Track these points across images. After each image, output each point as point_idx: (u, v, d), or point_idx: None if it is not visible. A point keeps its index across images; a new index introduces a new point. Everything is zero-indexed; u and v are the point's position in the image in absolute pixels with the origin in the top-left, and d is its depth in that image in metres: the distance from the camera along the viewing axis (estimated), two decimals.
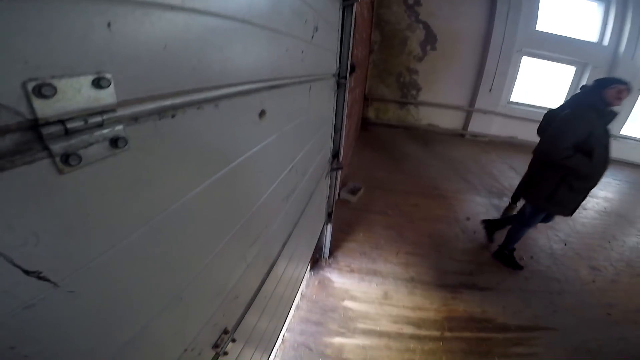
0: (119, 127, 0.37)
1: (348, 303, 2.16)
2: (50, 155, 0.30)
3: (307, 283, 2.28)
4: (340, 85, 1.79)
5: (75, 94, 0.31)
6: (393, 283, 2.39)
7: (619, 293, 2.59)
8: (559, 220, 3.50)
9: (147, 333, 0.50)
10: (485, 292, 2.41)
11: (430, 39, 6.84)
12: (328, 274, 2.40)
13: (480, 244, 3.04)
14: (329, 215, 2.35)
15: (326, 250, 2.52)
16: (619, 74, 6.21)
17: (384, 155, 5.44)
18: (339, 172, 2.26)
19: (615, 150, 2.71)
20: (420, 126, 7.69)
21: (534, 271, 2.73)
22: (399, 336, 1.95)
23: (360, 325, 1.99)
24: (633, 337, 2.15)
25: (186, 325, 0.63)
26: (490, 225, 3.08)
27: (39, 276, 0.31)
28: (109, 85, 0.34)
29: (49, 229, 0.31)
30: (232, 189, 0.71)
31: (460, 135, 7.68)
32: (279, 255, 1.20)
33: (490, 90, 7.01)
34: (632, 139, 7.34)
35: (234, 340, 0.86)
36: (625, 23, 6.38)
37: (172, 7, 0.42)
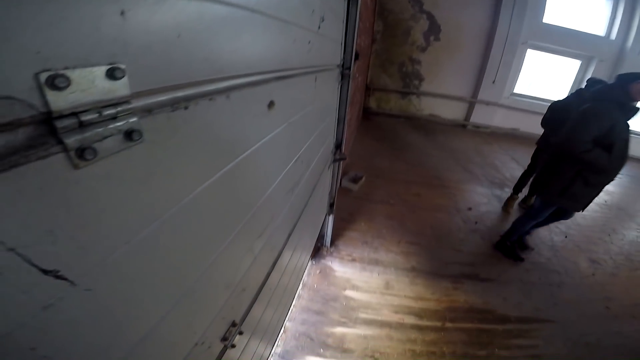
0: (134, 120, 0.36)
1: (349, 292, 2.17)
2: (65, 149, 0.29)
3: (308, 272, 2.28)
4: (344, 76, 1.77)
5: (89, 85, 0.30)
6: (394, 272, 2.40)
7: (618, 287, 2.61)
8: None
9: (160, 328, 0.50)
10: (487, 283, 2.43)
11: (434, 30, 6.73)
12: (329, 263, 2.41)
13: (482, 235, 3.05)
14: (331, 205, 2.35)
15: (328, 239, 2.53)
16: (625, 68, 6.19)
17: (386, 145, 5.41)
18: (342, 163, 2.24)
19: None
20: (422, 116, 7.64)
21: (535, 263, 2.75)
22: (400, 326, 1.97)
23: (362, 315, 2.01)
24: (631, 331, 2.17)
25: (196, 319, 0.63)
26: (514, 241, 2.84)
27: (56, 275, 0.30)
28: (123, 76, 0.33)
29: (65, 226, 0.30)
30: (242, 181, 0.71)
31: (462, 126, 7.64)
32: (283, 247, 1.21)
33: (493, 81, 6.94)
34: (633, 134, 7.27)
35: (241, 333, 0.87)
36: (634, 17, 6.28)
37: None
